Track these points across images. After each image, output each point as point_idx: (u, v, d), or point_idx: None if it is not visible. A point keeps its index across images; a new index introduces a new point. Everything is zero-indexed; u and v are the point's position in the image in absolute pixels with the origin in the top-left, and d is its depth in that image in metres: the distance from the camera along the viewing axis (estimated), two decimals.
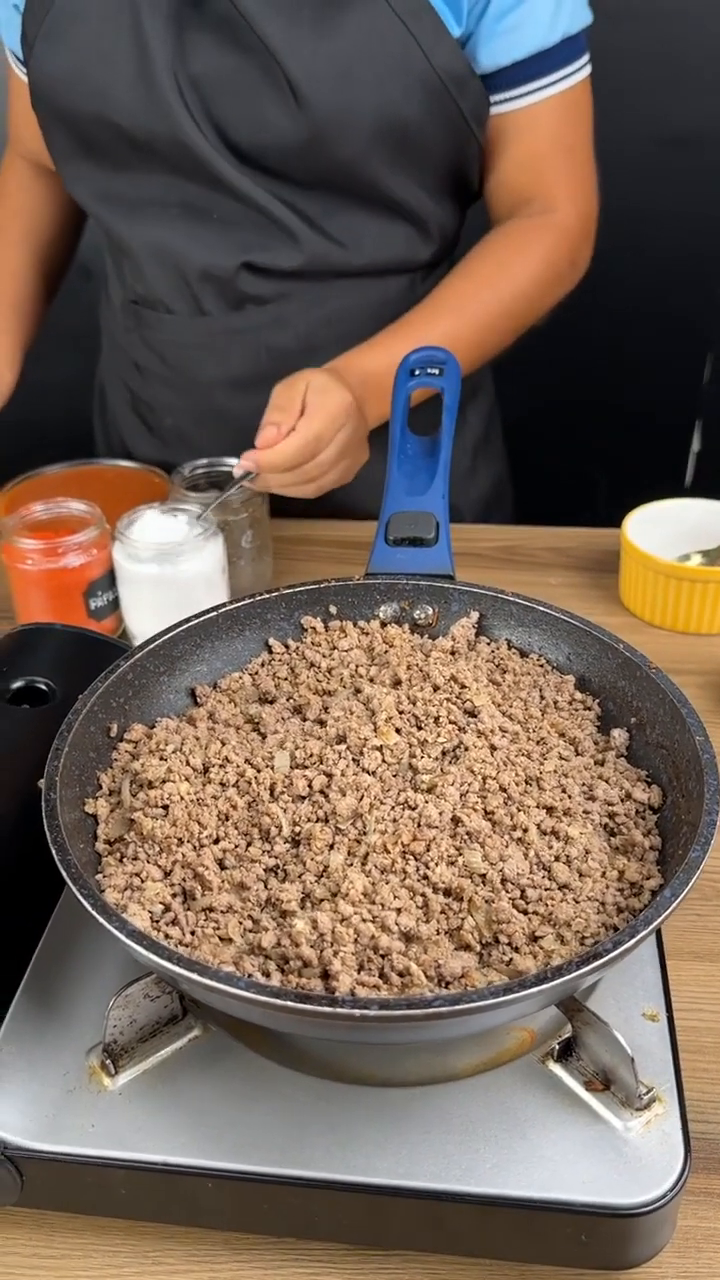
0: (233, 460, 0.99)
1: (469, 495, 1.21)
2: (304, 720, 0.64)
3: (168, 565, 0.88)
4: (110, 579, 0.92)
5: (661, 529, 0.99)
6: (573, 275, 1.07)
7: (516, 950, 0.51)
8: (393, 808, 0.56)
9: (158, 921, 0.53)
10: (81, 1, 0.93)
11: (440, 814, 0.55)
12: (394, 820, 0.55)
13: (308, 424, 0.89)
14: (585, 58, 1.01)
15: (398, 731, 0.60)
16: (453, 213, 1.09)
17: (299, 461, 0.89)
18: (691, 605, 0.94)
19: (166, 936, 0.52)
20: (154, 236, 1.04)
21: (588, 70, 1.01)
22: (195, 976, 0.45)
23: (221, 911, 0.53)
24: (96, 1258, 0.53)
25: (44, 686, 0.72)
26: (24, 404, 1.93)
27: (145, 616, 0.91)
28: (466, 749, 0.59)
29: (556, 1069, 0.53)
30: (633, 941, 0.46)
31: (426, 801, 0.56)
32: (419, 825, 0.55)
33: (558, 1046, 0.54)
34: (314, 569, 1.04)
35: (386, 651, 0.69)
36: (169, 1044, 0.55)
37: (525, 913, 0.53)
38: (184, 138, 0.94)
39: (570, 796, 0.58)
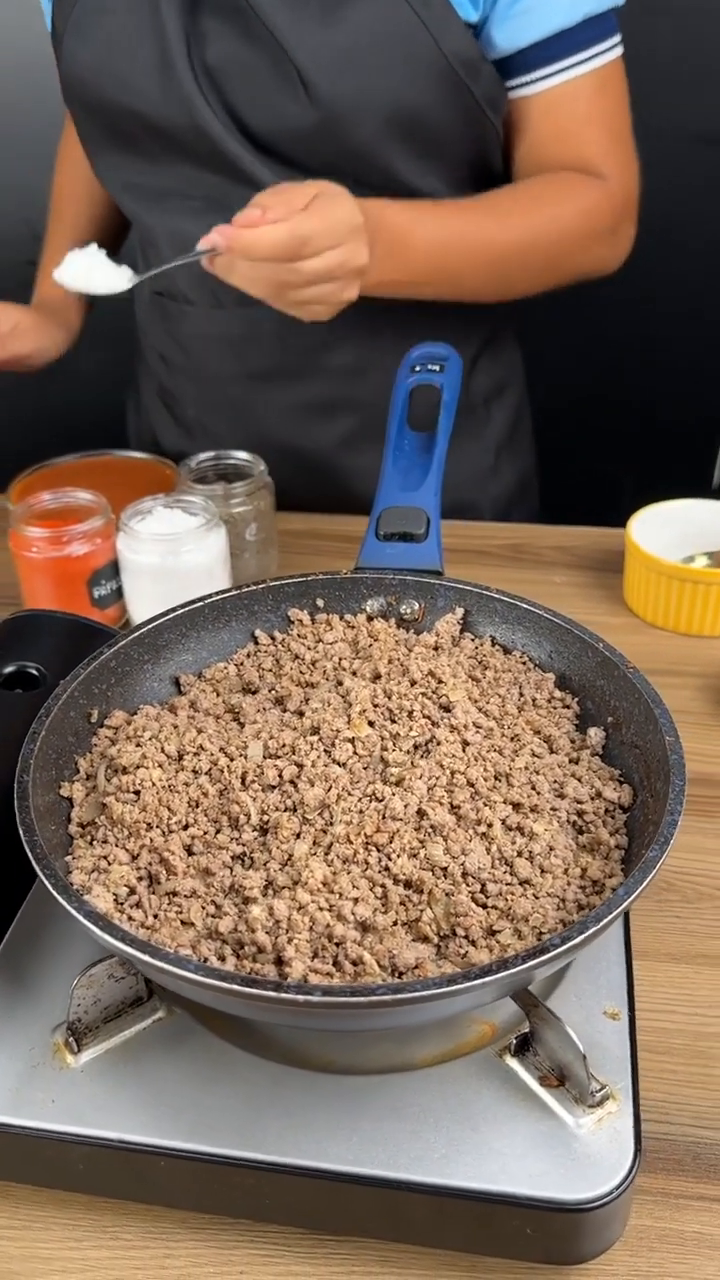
0: (242, 454, 1.01)
1: (489, 493, 1.21)
2: (284, 711, 0.65)
3: (169, 556, 0.89)
4: (114, 568, 0.93)
5: (668, 530, 0.98)
6: (613, 244, 1.04)
7: (473, 944, 0.52)
8: (360, 799, 0.57)
9: (122, 904, 0.54)
10: None
11: (406, 807, 0.56)
12: (360, 812, 0.56)
13: (303, 219, 0.80)
14: (615, 39, 0.99)
15: (371, 724, 0.61)
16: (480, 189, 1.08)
17: (278, 255, 0.81)
18: (694, 607, 0.93)
19: (129, 919, 0.53)
20: (176, 227, 1.05)
21: (619, 51, 0.99)
22: (145, 957, 0.46)
23: (185, 896, 0.54)
24: (56, 1230, 0.54)
25: (35, 671, 0.73)
26: (53, 394, 1.96)
27: (147, 606, 0.92)
28: (438, 743, 0.60)
29: (513, 1063, 0.54)
30: (580, 938, 0.47)
31: (394, 794, 0.56)
32: (383, 817, 0.55)
33: (515, 1041, 0.54)
34: (319, 563, 1.05)
35: (371, 645, 0.69)
36: (133, 1025, 0.56)
37: (484, 906, 0.53)
38: (202, 125, 0.96)
39: (539, 793, 0.58)
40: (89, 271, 0.92)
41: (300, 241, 0.80)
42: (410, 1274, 0.52)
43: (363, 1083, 0.53)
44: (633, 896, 0.49)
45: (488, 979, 0.45)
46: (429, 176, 1.01)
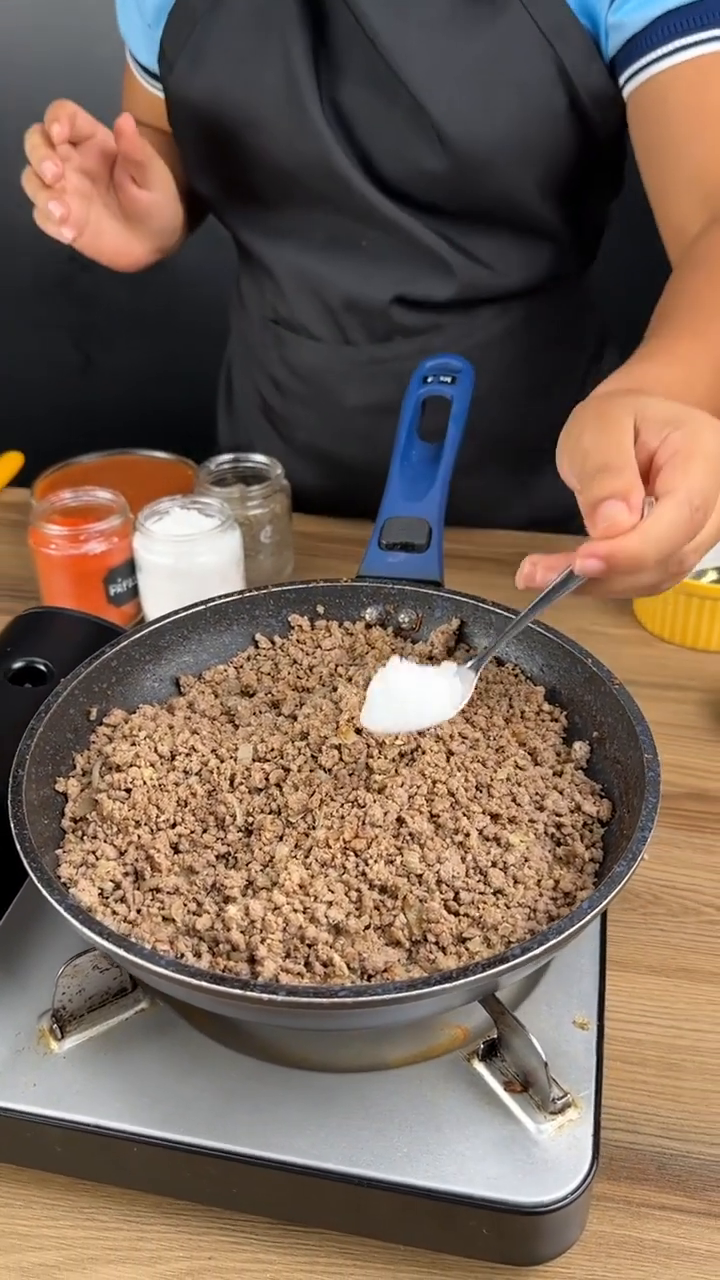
0: (260, 457, 1.02)
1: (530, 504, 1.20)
2: (278, 715, 0.66)
3: (183, 557, 0.91)
4: (131, 567, 0.95)
5: None
6: None
7: (443, 950, 0.53)
8: (342, 805, 0.58)
9: (107, 898, 0.56)
10: (227, 25, 0.94)
11: (385, 814, 0.57)
12: (340, 817, 0.58)
13: (687, 483, 0.55)
14: None
15: (358, 731, 0.62)
16: (595, 222, 1.07)
17: (679, 546, 0.56)
18: (701, 622, 0.94)
19: (113, 913, 0.55)
20: (299, 264, 1.04)
21: None
22: (120, 951, 0.48)
23: (168, 893, 0.56)
24: (36, 1208, 0.57)
25: (43, 667, 0.75)
26: (89, 388, 1.99)
27: (161, 605, 0.94)
28: (422, 752, 0.61)
29: (479, 1067, 0.55)
30: (540, 949, 0.48)
31: (374, 801, 0.58)
32: (363, 823, 0.57)
33: (483, 1046, 0.55)
34: (334, 566, 1.07)
35: (367, 653, 0.71)
36: (116, 1015, 0.58)
37: (456, 914, 0.54)
38: (336, 166, 0.93)
39: (519, 805, 0.60)
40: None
41: (699, 514, 0.56)
42: (372, 1267, 0.54)
43: (334, 1080, 0.55)
44: (595, 911, 0.50)
45: (447, 986, 0.46)
46: (557, 206, 0.99)
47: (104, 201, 0.94)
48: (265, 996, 0.46)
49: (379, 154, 0.93)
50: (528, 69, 0.88)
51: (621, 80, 0.89)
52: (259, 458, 1.02)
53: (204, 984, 0.47)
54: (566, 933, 0.49)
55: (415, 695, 0.60)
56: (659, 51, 0.84)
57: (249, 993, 0.46)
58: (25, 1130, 0.54)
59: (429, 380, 0.85)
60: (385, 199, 0.95)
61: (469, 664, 0.64)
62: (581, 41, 0.88)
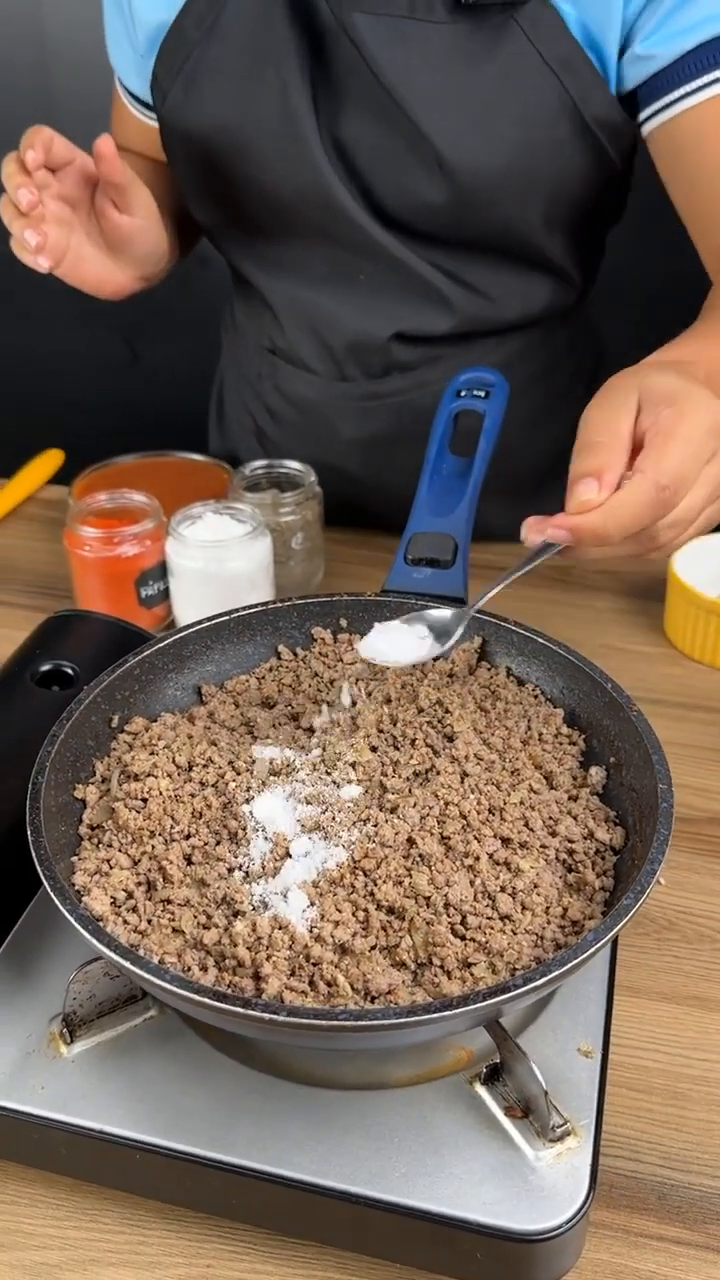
0: (294, 463, 1.03)
1: None
2: (296, 728, 0.67)
3: (214, 562, 0.92)
4: (162, 570, 0.96)
5: (714, 563, 0.98)
6: None
7: (448, 974, 0.53)
8: (354, 824, 0.59)
9: (119, 907, 0.57)
10: (222, 53, 0.92)
11: (396, 834, 0.58)
12: (352, 836, 0.58)
13: (657, 463, 0.60)
14: None
15: (373, 749, 0.63)
16: (595, 251, 1.06)
17: (644, 524, 0.61)
18: None
19: (125, 922, 0.56)
20: (297, 297, 1.03)
21: None
22: (125, 963, 0.49)
23: (179, 904, 0.56)
24: (41, 1208, 0.58)
25: (70, 670, 0.76)
26: (134, 385, 2.01)
27: (192, 609, 0.95)
28: (437, 773, 0.61)
29: (481, 1091, 0.55)
30: (543, 980, 0.48)
31: (386, 820, 0.58)
32: (373, 843, 0.57)
33: (485, 1070, 0.55)
34: (365, 574, 1.07)
35: (388, 669, 0.71)
36: (125, 1022, 0.59)
37: (463, 938, 0.55)
38: (334, 197, 0.92)
39: (531, 829, 0.60)
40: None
41: (670, 492, 0.60)
42: None
43: (336, 1097, 0.56)
44: (599, 944, 0.50)
45: (447, 1014, 0.47)
46: (559, 238, 0.98)
47: (85, 229, 0.92)
48: (266, 1016, 0.47)
49: (379, 185, 0.92)
50: (532, 99, 0.87)
51: (649, 111, 0.88)
52: (293, 464, 1.02)
53: (207, 1000, 0.47)
54: (569, 965, 0.49)
55: (409, 641, 0.67)
56: (694, 84, 0.84)
57: (250, 1011, 0.47)
58: (32, 1132, 0.55)
59: (462, 394, 0.85)
60: (384, 231, 0.94)
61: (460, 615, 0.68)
62: (588, 71, 0.86)
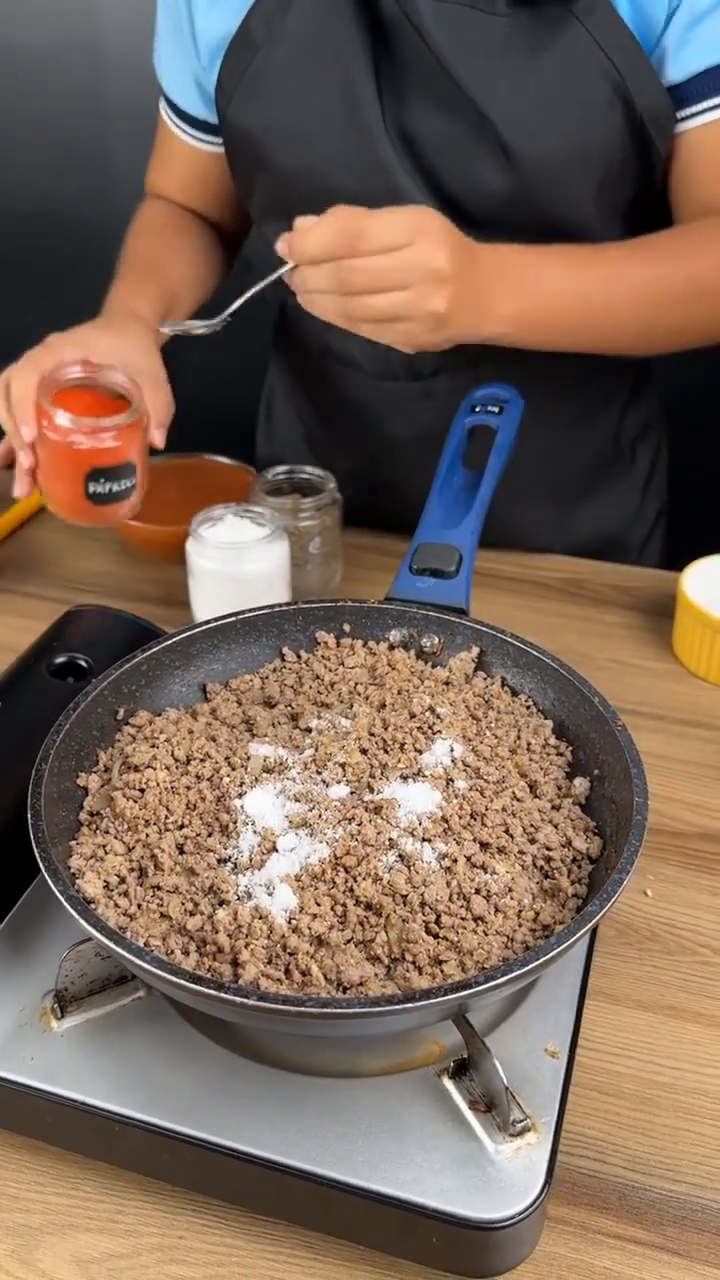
0: (315, 470, 1.05)
1: (636, 532, 1.21)
2: (294, 727, 0.70)
3: (231, 563, 0.94)
4: (126, 469, 0.90)
5: None
6: None
7: (419, 970, 0.55)
8: (339, 822, 0.61)
9: (111, 891, 0.59)
10: (287, 52, 0.95)
11: (378, 833, 0.60)
12: (335, 834, 0.60)
13: (357, 215, 0.78)
14: None
15: (363, 752, 0.65)
16: None
17: (329, 251, 0.78)
18: None
19: (115, 905, 0.58)
20: None
21: None
22: (109, 943, 0.52)
23: (168, 891, 0.59)
24: (26, 1174, 0.61)
25: (84, 663, 0.79)
26: (185, 389, 2.04)
27: (208, 609, 0.98)
28: (424, 777, 0.63)
29: (448, 1084, 0.57)
30: (504, 979, 0.50)
31: (370, 820, 0.61)
32: (355, 841, 0.59)
33: (453, 1064, 0.58)
34: (381, 580, 1.09)
35: (388, 674, 0.73)
36: (115, 1001, 0.61)
37: (436, 937, 0.57)
38: (399, 187, 0.95)
39: (511, 835, 0.62)
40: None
41: (354, 232, 0.77)
42: (331, 1263, 0.57)
43: (309, 1083, 0.58)
44: (563, 946, 0.52)
45: (410, 1006, 0.49)
46: (605, 225, 0.99)
47: None
48: (239, 1000, 0.49)
49: (443, 172, 0.95)
50: (589, 87, 0.90)
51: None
52: (314, 470, 1.05)
53: (183, 982, 0.50)
54: (531, 965, 0.51)
55: None
56: (696, 107, 0.91)
57: (223, 994, 0.49)
58: (19, 1100, 0.58)
59: (477, 409, 0.87)
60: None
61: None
62: (641, 62, 0.89)
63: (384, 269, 0.78)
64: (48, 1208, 0.59)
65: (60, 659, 0.79)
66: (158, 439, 0.93)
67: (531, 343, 0.92)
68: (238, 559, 0.94)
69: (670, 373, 1.20)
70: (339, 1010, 0.49)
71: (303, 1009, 0.49)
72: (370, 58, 0.93)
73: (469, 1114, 0.56)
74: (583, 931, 0.52)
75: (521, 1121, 0.55)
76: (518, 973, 0.50)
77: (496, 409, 0.87)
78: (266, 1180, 0.55)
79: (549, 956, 0.51)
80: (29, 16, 1.74)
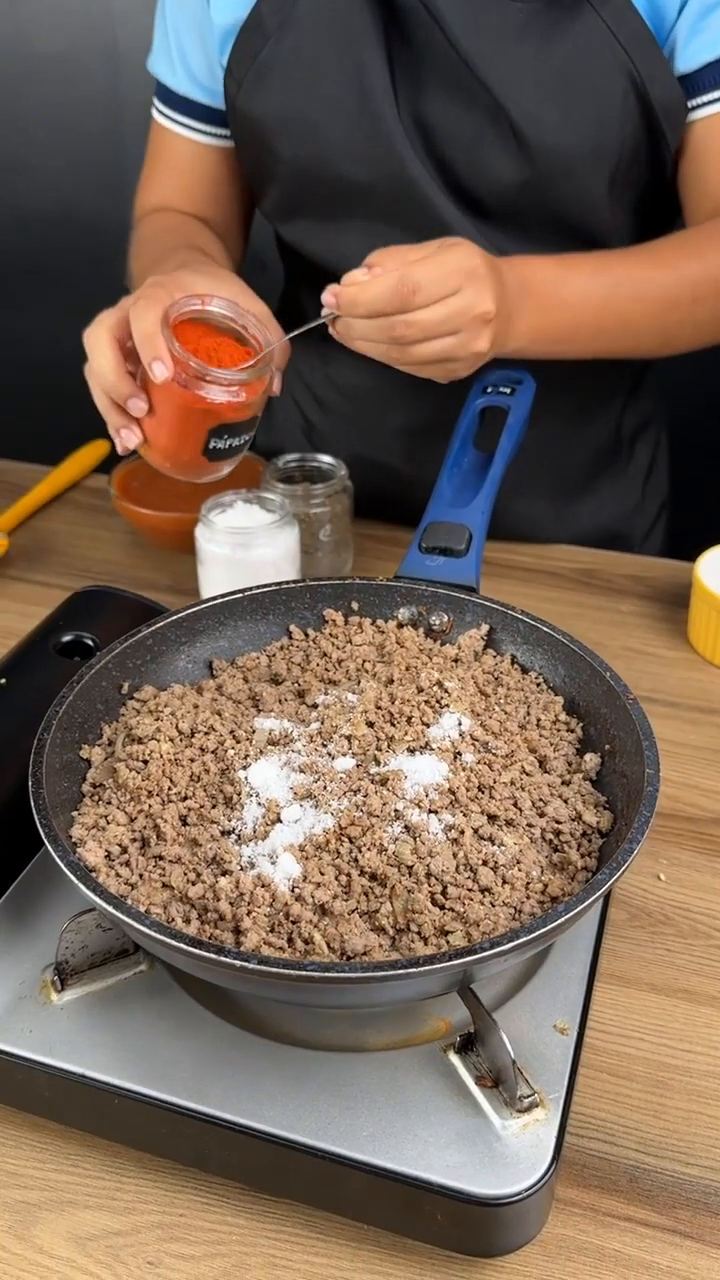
0: (326, 458, 1.05)
1: (637, 527, 1.20)
2: (300, 704, 0.69)
3: (240, 548, 0.94)
4: (249, 424, 0.85)
5: None
6: None
7: (424, 941, 0.54)
8: (344, 793, 0.60)
9: (113, 860, 0.58)
10: (299, 39, 0.94)
11: (384, 805, 0.59)
12: (340, 805, 0.59)
13: (409, 268, 0.75)
14: None
15: (370, 725, 0.64)
16: (655, 235, 1.05)
17: (385, 307, 0.76)
18: None
19: (116, 875, 0.58)
20: None
21: None
22: (108, 908, 0.51)
23: (170, 861, 0.58)
24: (25, 1150, 0.60)
25: (90, 642, 0.79)
26: None
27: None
28: (430, 750, 0.62)
29: (454, 1059, 0.56)
30: (510, 945, 0.49)
31: (375, 792, 0.60)
32: (360, 811, 0.58)
33: (459, 1039, 0.56)
34: (388, 568, 1.08)
35: (396, 651, 0.72)
36: (116, 974, 0.60)
37: (441, 907, 0.56)
38: (410, 174, 0.94)
39: (519, 809, 0.61)
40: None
41: (409, 289, 0.75)
42: (335, 1242, 0.56)
43: (313, 1056, 0.57)
44: (571, 914, 0.50)
45: (413, 971, 0.48)
46: (616, 217, 0.99)
47: None
48: (238, 964, 0.48)
49: (455, 161, 0.94)
50: (603, 76, 0.89)
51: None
52: (325, 458, 1.04)
53: (183, 946, 0.49)
54: (538, 932, 0.49)
55: None
56: (705, 97, 0.91)
57: (222, 958, 0.48)
58: (17, 1072, 0.57)
59: (489, 390, 0.87)
60: (455, 209, 0.96)
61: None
62: (654, 52, 0.89)
63: (436, 320, 0.77)
64: (46, 1184, 0.58)
65: (67, 637, 0.79)
66: (277, 385, 0.87)
67: (548, 354, 0.90)
68: (246, 544, 0.94)
69: (671, 371, 1.19)
70: (341, 974, 0.48)
71: (304, 972, 0.48)
72: (384, 44, 0.93)
73: (475, 1089, 0.55)
74: (593, 899, 0.51)
75: (529, 1097, 0.53)
76: (525, 939, 0.49)
77: (509, 390, 0.86)
78: (268, 1155, 0.54)
79: (558, 922, 0.50)
80: (49, 23, 1.75)
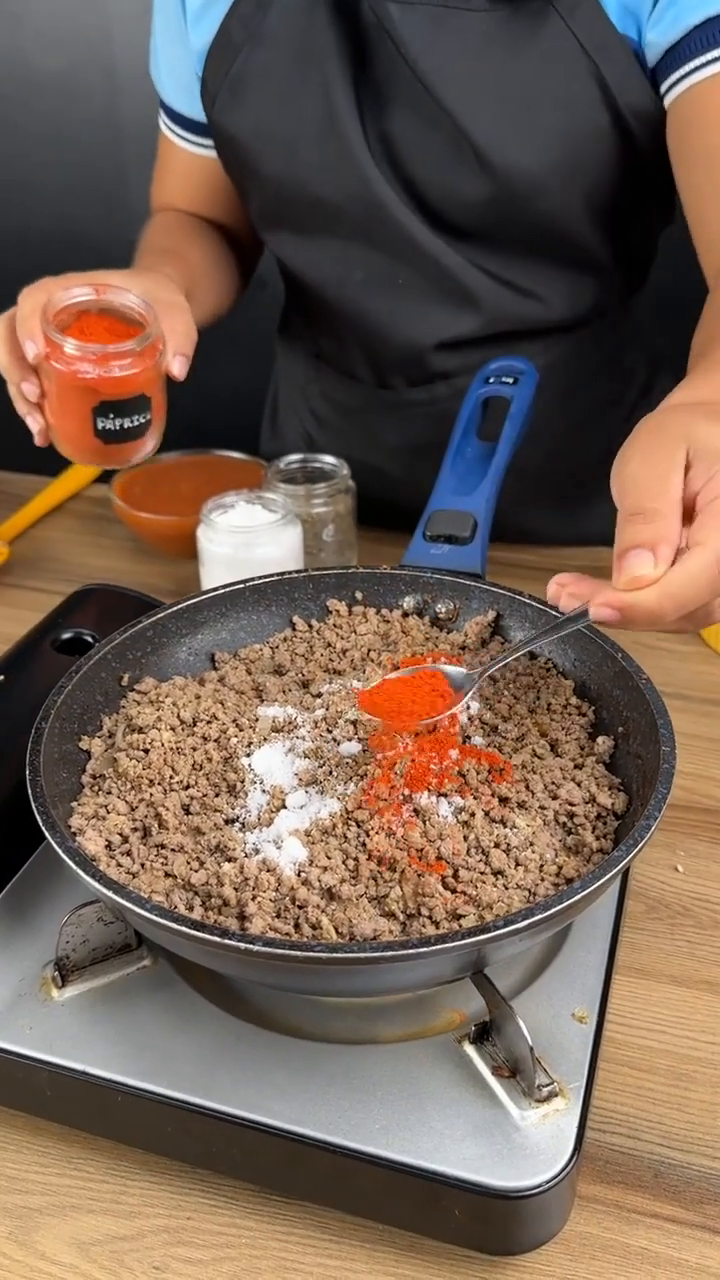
0: (329, 458, 1.03)
1: None
2: (304, 693, 0.67)
3: (242, 548, 0.92)
4: (139, 402, 0.84)
5: None
6: None
7: (435, 925, 0.52)
8: (350, 778, 0.58)
9: (113, 850, 0.57)
10: (266, 56, 0.94)
11: (391, 788, 0.57)
12: (347, 788, 0.58)
13: (714, 532, 0.53)
14: None
15: None
16: (642, 251, 1.05)
17: (704, 602, 0.54)
18: None
19: (117, 864, 0.56)
20: (339, 300, 1.03)
21: None
22: (108, 892, 0.49)
23: (172, 850, 0.57)
24: (27, 1153, 0.57)
25: (90, 639, 0.77)
26: (186, 403, 2.04)
27: None
28: (437, 733, 0.61)
29: (469, 1050, 0.54)
30: (525, 923, 0.47)
31: (381, 775, 0.58)
32: (367, 795, 0.57)
33: (474, 1029, 0.54)
34: None
35: (401, 640, 0.71)
36: (119, 970, 0.59)
37: (453, 891, 0.54)
38: (377, 195, 0.93)
39: (532, 791, 0.59)
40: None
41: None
42: (348, 1244, 0.53)
43: (322, 1049, 0.55)
44: (587, 890, 0.49)
45: (424, 950, 0.46)
46: (594, 229, 0.96)
47: None
48: (242, 946, 0.46)
49: (422, 181, 0.92)
50: (570, 87, 0.86)
51: (661, 92, 0.87)
52: (328, 459, 1.03)
53: (185, 929, 0.47)
54: (554, 909, 0.48)
55: None
56: (696, 61, 0.82)
57: (227, 940, 0.47)
58: (17, 1071, 0.55)
59: (491, 380, 0.85)
60: (426, 229, 0.93)
61: None
62: (624, 56, 0.85)
63: None
64: (49, 1188, 0.56)
65: (67, 635, 0.77)
66: (175, 368, 0.85)
67: None
68: (249, 544, 0.92)
69: (680, 376, 1.18)
70: (350, 954, 0.46)
71: (311, 954, 0.46)
72: (349, 63, 0.91)
73: (492, 1080, 0.53)
74: (611, 874, 0.49)
75: (548, 1086, 0.51)
76: (541, 915, 0.47)
77: (511, 380, 0.85)
78: (277, 1151, 0.52)
79: (575, 899, 0.48)
80: (48, 41, 1.76)
